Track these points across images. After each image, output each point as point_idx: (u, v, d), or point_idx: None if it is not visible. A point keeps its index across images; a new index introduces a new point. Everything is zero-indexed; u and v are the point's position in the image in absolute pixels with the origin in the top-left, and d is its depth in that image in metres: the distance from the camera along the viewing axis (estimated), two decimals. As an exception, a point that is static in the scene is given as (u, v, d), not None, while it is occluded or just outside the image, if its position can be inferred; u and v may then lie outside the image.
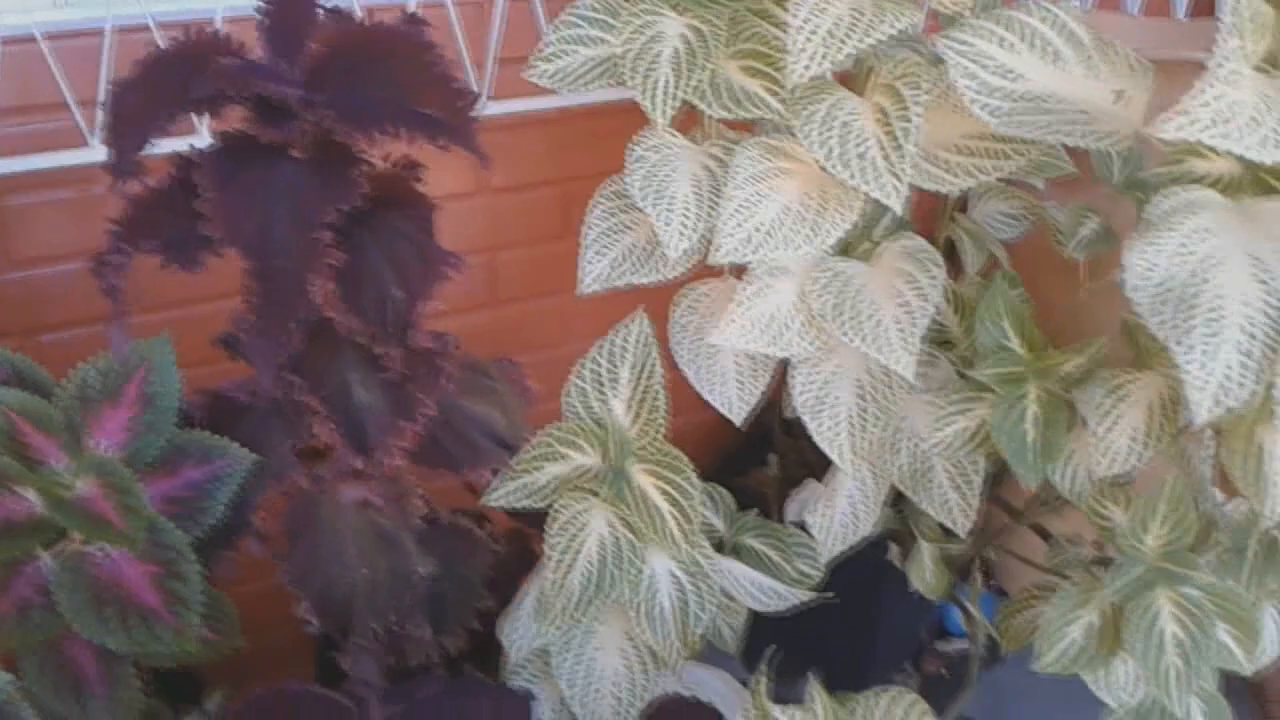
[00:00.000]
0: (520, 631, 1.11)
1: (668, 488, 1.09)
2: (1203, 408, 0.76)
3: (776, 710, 0.90)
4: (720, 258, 1.03)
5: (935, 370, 1.18)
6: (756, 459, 1.58)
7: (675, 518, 1.08)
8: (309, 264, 0.87)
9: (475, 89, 1.42)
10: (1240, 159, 0.82)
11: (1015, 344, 0.97)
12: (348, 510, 1.04)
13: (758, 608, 1.20)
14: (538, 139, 1.59)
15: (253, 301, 0.87)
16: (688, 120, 1.10)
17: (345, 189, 0.88)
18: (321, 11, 0.95)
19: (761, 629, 1.50)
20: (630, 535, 1.09)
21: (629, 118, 1.07)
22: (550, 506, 1.08)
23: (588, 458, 1.11)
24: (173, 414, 0.98)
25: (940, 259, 1.05)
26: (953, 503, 1.14)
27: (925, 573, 1.32)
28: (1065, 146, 1.02)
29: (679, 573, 1.11)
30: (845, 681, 1.01)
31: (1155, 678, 0.88)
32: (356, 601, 1.05)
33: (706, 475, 1.71)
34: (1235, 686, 1.68)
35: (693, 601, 1.11)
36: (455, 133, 0.89)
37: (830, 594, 1.25)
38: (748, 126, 1.11)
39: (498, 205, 1.60)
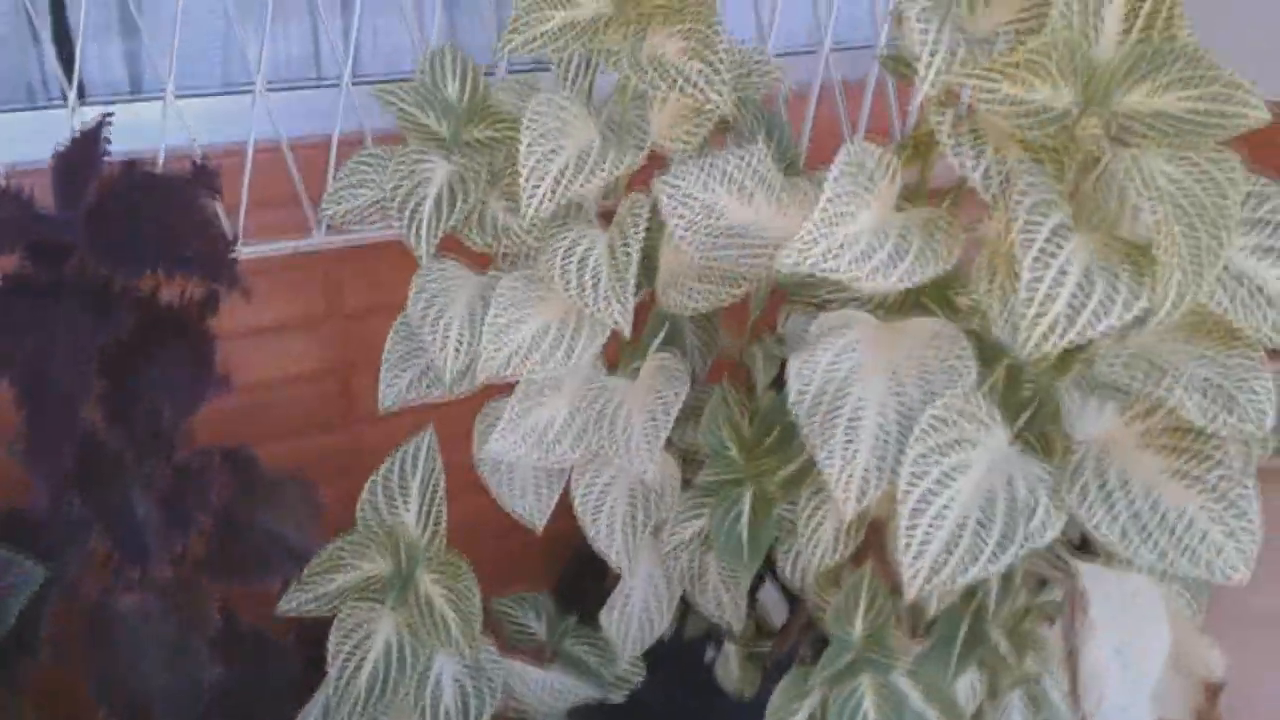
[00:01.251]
0: (305, 734, 1.18)
1: (451, 594, 1.16)
2: (847, 506, 0.85)
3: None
4: (483, 377, 1.12)
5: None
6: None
7: (458, 622, 1.16)
8: (79, 390, 0.97)
9: (311, 221, 1.52)
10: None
11: (733, 450, 1.06)
12: (139, 619, 1.11)
13: (545, 707, 1.27)
14: (389, 264, 1.70)
15: (25, 425, 0.96)
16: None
17: (114, 323, 0.98)
18: (111, 161, 1.06)
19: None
20: (414, 640, 1.16)
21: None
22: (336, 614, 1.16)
23: (378, 566, 1.19)
24: (-35, 531, 1.05)
25: (686, 374, 1.14)
26: (725, 601, 1.22)
27: (732, 672, 1.39)
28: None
29: (462, 674, 1.18)
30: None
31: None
32: (154, 708, 1.12)
33: (561, 582, 1.78)
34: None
35: (473, 702, 1.17)
36: (213, 271, 0.99)
37: (626, 691, 1.31)
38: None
39: (351, 328, 1.70)
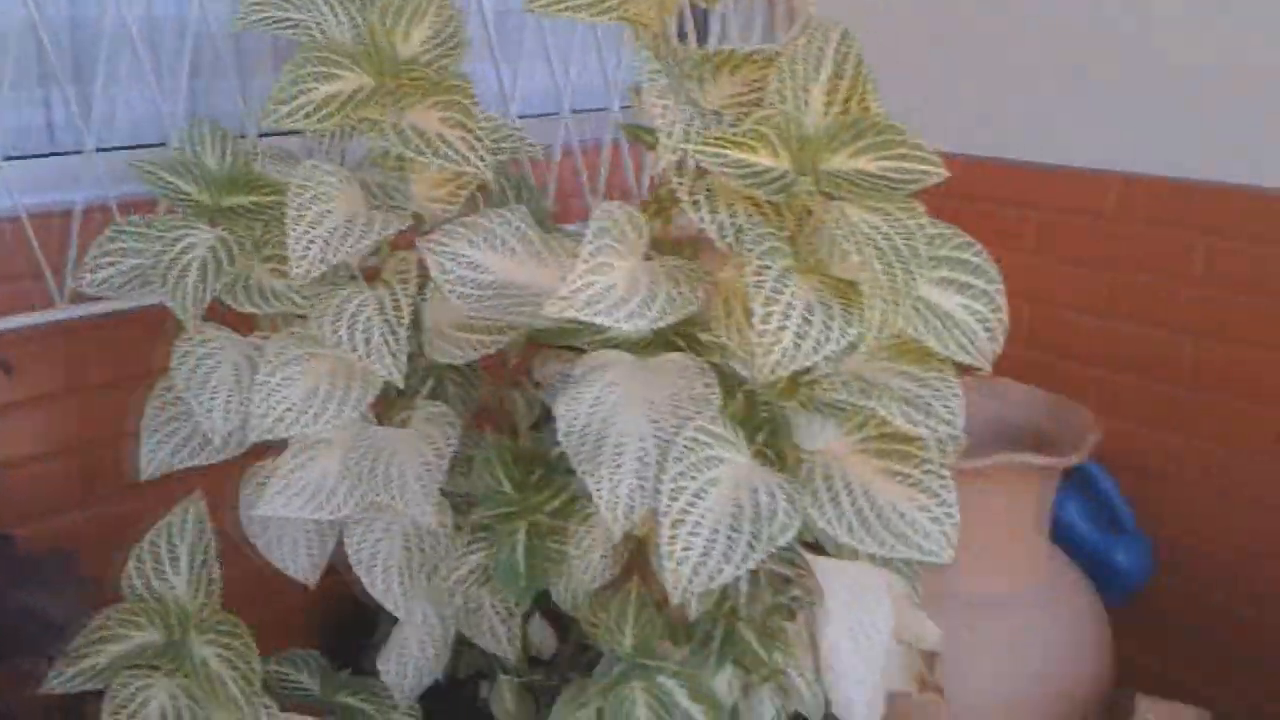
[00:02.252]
0: (81, 812, 1.15)
1: (228, 654, 1.17)
2: (614, 526, 0.95)
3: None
4: (256, 436, 1.15)
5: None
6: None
7: (237, 681, 1.17)
8: None
9: (55, 293, 1.48)
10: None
11: (507, 488, 1.15)
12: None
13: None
14: (133, 336, 1.67)
15: None
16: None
17: None
18: None
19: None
20: (192, 704, 1.16)
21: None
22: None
23: (149, 634, 1.18)
24: None
25: (457, 421, 1.21)
26: (500, 633, 1.29)
27: (506, 704, 1.45)
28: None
29: (243, 732, 1.18)
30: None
31: (633, 760, 1.05)
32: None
33: (329, 638, 1.77)
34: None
35: (257, 758, 1.18)
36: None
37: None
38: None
39: (93, 403, 1.65)
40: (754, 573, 1.10)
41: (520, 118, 1.72)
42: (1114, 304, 1.80)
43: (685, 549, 0.92)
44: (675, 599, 0.91)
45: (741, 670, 1.20)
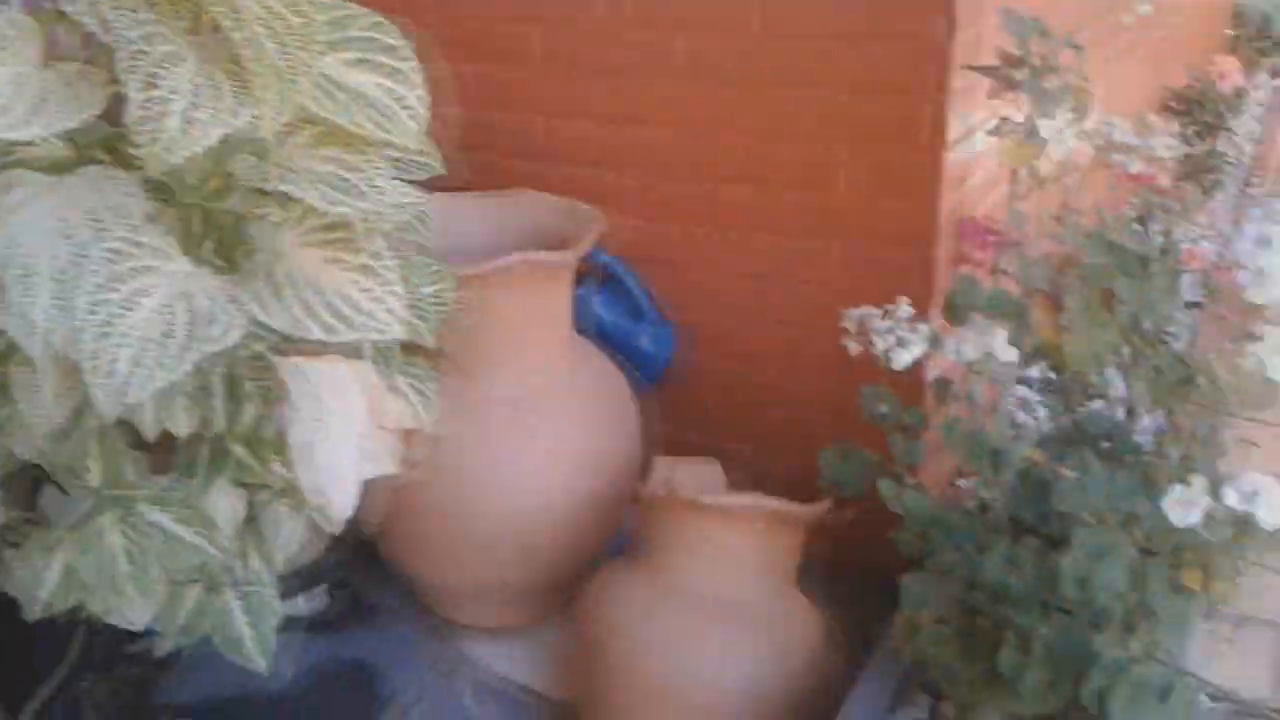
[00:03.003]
0: None
1: None
2: (34, 351, 0.89)
3: None
4: None
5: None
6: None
7: None
8: None
9: None
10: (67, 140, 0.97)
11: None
12: None
13: None
14: None
15: None
16: None
17: None
18: None
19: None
20: None
21: None
22: None
23: None
24: None
25: None
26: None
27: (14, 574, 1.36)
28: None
29: None
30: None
31: (110, 585, 1.02)
32: None
33: None
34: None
35: None
36: None
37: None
38: None
39: None
40: (234, 387, 1.09)
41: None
42: (601, 107, 1.88)
43: (113, 361, 0.88)
44: (108, 411, 0.88)
45: (247, 488, 1.19)
